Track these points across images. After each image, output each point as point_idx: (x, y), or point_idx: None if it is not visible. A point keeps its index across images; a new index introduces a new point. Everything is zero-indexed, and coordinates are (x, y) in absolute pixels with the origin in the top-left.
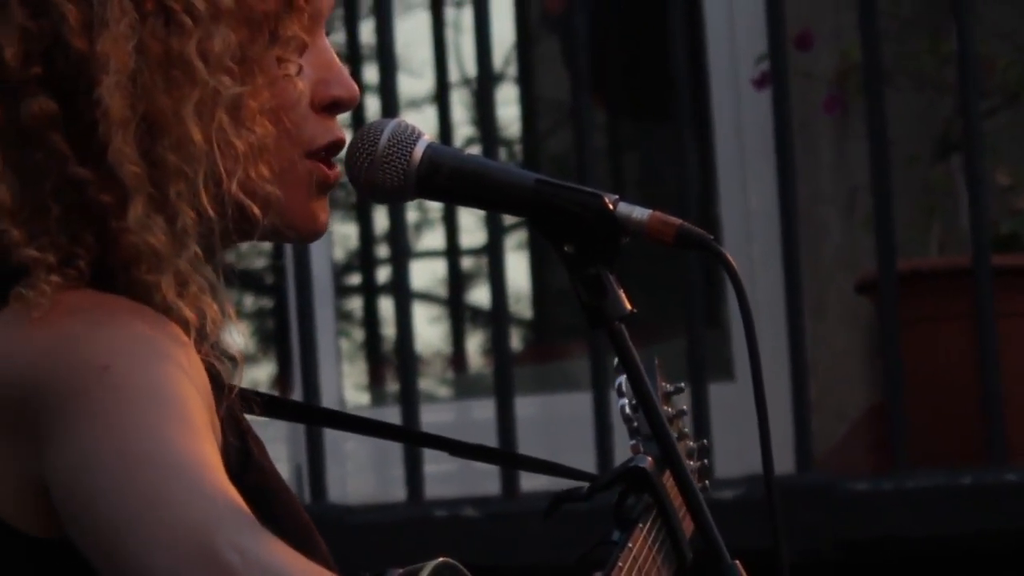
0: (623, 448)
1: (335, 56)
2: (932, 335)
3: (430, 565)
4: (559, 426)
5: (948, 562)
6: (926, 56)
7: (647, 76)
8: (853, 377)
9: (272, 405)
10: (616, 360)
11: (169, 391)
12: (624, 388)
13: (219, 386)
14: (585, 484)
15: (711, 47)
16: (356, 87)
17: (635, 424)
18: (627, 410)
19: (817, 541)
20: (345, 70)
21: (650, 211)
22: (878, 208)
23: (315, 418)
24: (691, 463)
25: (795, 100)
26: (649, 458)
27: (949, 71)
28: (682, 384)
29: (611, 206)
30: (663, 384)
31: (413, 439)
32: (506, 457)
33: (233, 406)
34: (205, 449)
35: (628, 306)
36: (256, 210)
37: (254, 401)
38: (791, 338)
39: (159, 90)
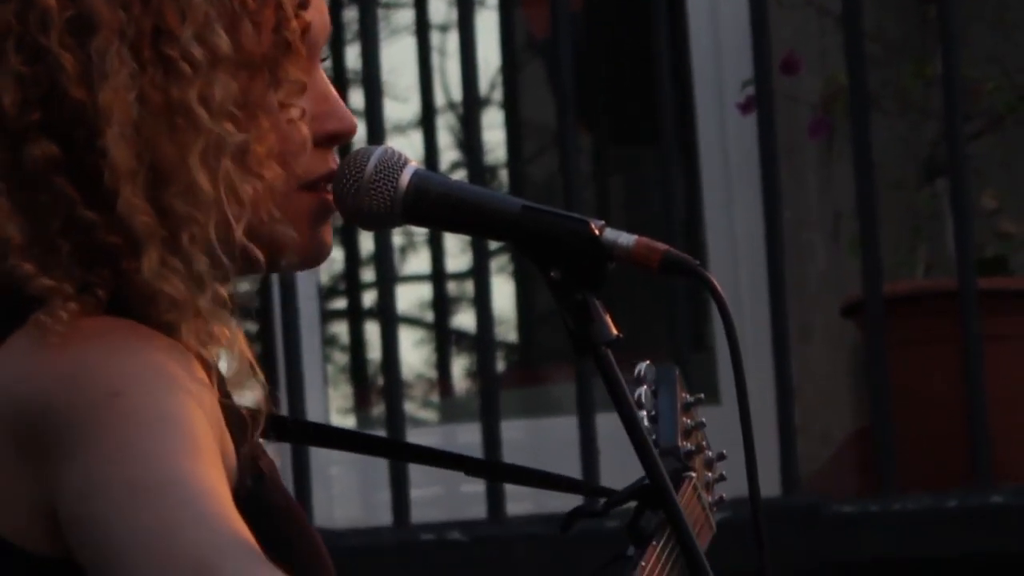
0: (609, 472)
1: (331, 88)
2: (918, 358)
3: None
4: (545, 450)
5: None
6: (911, 80)
7: (632, 100)
8: (839, 400)
9: (281, 427)
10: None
11: (179, 419)
12: (643, 400)
13: (236, 417)
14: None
15: (696, 71)
16: (353, 118)
17: (653, 437)
18: (646, 422)
19: (803, 564)
20: (341, 102)
21: (636, 237)
22: (864, 231)
23: (330, 440)
24: (709, 474)
25: (780, 124)
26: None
27: (935, 95)
28: (702, 395)
29: (597, 232)
30: (683, 395)
31: (433, 459)
32: (525, 474)
33: (248, 431)
34: (213, 478)
35: (614, 331)
36: (258, 254)
37: (271, 425)
38: (776, 361)
39: (163, 139)
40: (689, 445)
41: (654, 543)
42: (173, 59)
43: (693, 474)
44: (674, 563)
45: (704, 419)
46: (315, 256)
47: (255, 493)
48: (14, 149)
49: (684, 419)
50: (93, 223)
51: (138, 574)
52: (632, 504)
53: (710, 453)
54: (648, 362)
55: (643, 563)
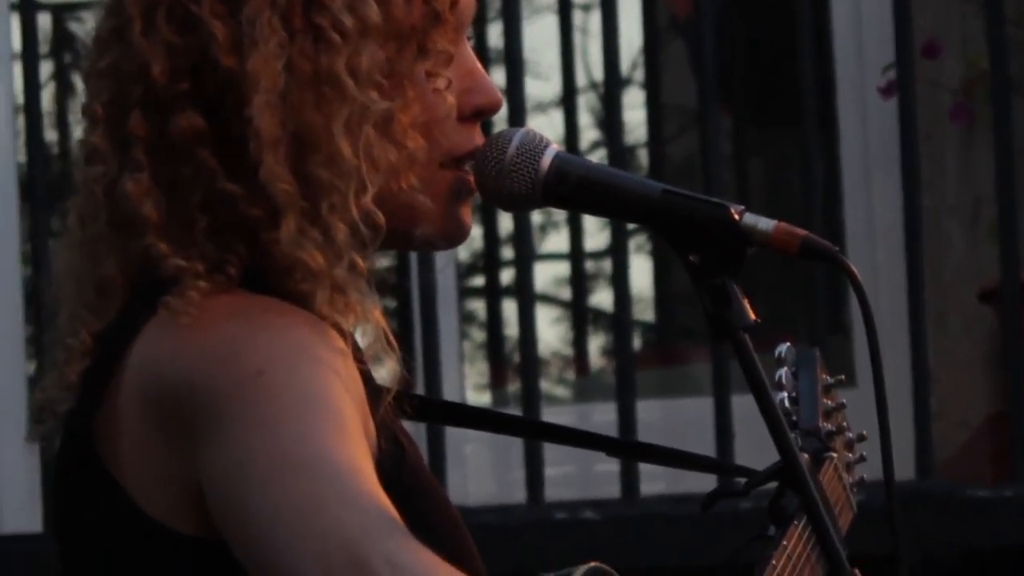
0: (744, 454)
1: (477, 63)
2: None
3: (581, 569)
4: (680, 430)
5: None
6: None
7: (773, 82)
8: (974, 385)
9: (417, 406)
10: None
11: (323, 397)
12: (784, 381)
13: (373, 389)
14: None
15: (838, 55)
16: (499, 94)
17: (794, 418)
18: (786, 403)
19: (937, 548)
20: (487, 77)
21: (775, 222)
22: (1002, 218)
23: (467, 419)
24: (849, 455)
25: (921, 109)
26: (806, 455)
27: None
28: (842, 376)
29: (737, 217)
30: (824, 377)
31: (568, 438)
32: (662, 454)
33: (387, 408)
34: (358, 456)
35: (752, 316)
36: (381, 219)
37: (407, 403)
38: (913, 346)
39: (309, 107)
40: (830, 426)
41: (795, 523)
42: (323, 28)
43: (834, 454)
44: (816, 543)
45: (844, 400)
46: (453, 235)
47: (396, 469)
48: (161, 120)
49: (825, 400)
50: (234, 195)
51: (284, 552)
52: (771, 485)
53: (850, 434)
54: (789, 344)
55: (785, 542)
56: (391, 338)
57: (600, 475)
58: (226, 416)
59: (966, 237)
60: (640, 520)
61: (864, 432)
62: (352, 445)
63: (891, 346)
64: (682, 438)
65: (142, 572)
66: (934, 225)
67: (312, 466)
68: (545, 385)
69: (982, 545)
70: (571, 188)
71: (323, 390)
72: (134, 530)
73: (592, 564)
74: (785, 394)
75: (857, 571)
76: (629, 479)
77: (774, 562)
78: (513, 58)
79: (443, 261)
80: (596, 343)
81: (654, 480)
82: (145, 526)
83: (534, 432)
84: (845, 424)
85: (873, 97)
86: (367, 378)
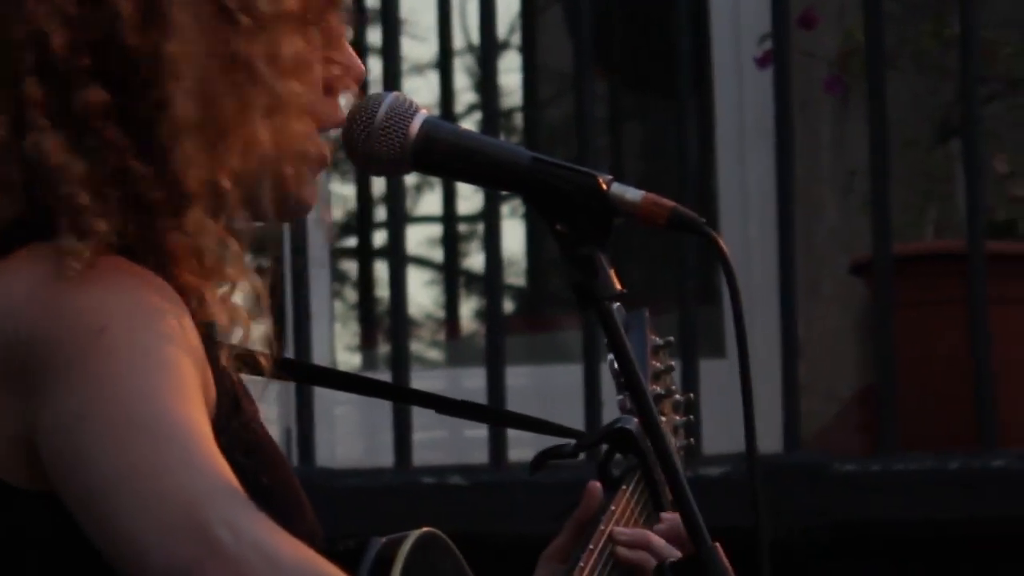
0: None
1: (343, 36)
2: (925, 318)
3: (414, 535)
4: (549, 397)
5: (933, 545)
6: (929, 39)
7: (650, 50)
8: (844, 358)
9: (283, 367)
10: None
11: (164, 357)
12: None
13: (216, 347)
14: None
15: (715, 23)
16: (363, 68)
17: (623, 379)
18: (615, 366)
19: (803, 521)
20: (351, 50)
21: (643, 193)
22: (875, 190)
23: (331, 380)
24: (677, 418)
25: (796, 79)
26: (636, 419)
27: (952, 55)
28: (671, 338)
29: (605, 187)
30: (652, 338)
31: (411, 399)
32: (497, 415)
33: (228, 366)
34: (197, 416)
35: (618, 286)
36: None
37: (260, 362)
38: (783, 317)
39: (226, 95)
40: (658, 388)
41: (624, 487)
42: (237, 13)
43: (663, 417)
44: (644, 507)
45: (673, 363)
46: (310, 206)
47: (230, 426)
48: (63, 93)
49: (653, 362)
50: (140, 174)
51: (123, 513)
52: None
53: (679, 397)
54: (618, 304)
55: (613, 507)
56: (264, 298)
57: (469, 441)
58: (66, 372)
59: (839, 207)
60: (507, 487)
61: (691, 395)
62: (191, 405)
63: (762, 316)
64: (552, 404)
65: None
66: (807, 194)
67: (152, 426)
68: (416, 348)
69: (850, 519)
70: (440, 154)
71: (162, 349)
72: None
73: (424, 529)
74: (612, 356)
75: (718, 545)
76: (497, 445)
77: (602, 527)
78: (390, 19)
79: (315, 219)
80: (468, 307)
81: (522, 447)
82: None
83: (402, 396)
84: (674, 387)
85: (749, 67)
86: (209, 336)
